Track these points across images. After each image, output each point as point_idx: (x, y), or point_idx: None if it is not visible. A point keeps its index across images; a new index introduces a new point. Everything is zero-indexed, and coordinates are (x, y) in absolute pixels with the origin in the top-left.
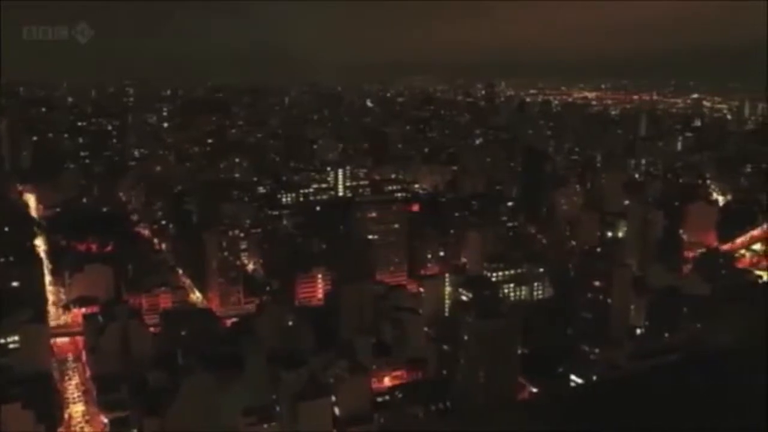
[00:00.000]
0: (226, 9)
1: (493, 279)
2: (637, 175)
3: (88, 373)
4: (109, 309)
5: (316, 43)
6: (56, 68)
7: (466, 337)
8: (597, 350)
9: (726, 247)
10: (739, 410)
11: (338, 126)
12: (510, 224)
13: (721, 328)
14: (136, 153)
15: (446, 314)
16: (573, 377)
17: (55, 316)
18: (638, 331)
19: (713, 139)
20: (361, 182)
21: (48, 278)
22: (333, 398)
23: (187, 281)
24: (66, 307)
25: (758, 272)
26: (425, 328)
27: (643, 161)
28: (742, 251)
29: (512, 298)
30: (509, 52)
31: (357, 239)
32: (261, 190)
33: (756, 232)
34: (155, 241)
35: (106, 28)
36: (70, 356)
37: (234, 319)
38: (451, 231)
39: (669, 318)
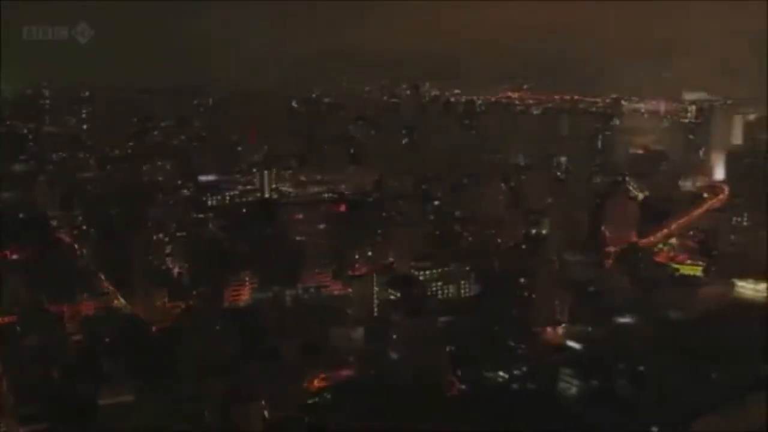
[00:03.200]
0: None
1: (421, 278)
2: (559, 174)
3: (5, 385)
4: (27, 318)
5: (243, 41)
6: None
7: (394, 336)
8: (523, 346)
9: (645, 241)
10: (662, 400)
11: (263, 127)
12: (436, 223)
13: (641, 320)
14: (54, 156)
15: (375, 314)
16: (500, 373)
17: None
18: (563, 325)
19: (631, 137)
20: (287, 184)
21: None
22: (262, 402)
23: (111, 287)
24: None
25: (675, 265)
26: (354, 328)
27: (564, 159)
28: (660, 245)
29: (440, 297)
30: (433, 53)
31: (284, 241)
32: (185, 192)
33: (672, 227)
34: (76, 246)
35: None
36: None
37: (160, 325)
38: (378, 231)
39: (592, 312)
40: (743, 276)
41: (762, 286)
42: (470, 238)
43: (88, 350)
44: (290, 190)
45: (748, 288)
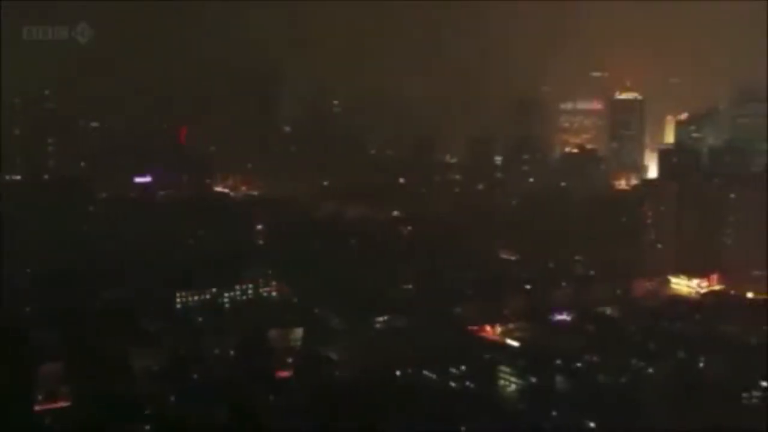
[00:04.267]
0: None
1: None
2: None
3: None
4: None
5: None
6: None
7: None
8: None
9: None
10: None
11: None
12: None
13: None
14: None
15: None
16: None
17: None
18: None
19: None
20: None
21: None
22: None
23: None
24: None
25: None
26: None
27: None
28: None
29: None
30: None
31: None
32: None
33: None
34: None
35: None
36: None
37: None
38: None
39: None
40: (677, 272)
41: (695, 281)
42: (410, 237)
43: None
44: (227, 191)
45: (681, 284)
